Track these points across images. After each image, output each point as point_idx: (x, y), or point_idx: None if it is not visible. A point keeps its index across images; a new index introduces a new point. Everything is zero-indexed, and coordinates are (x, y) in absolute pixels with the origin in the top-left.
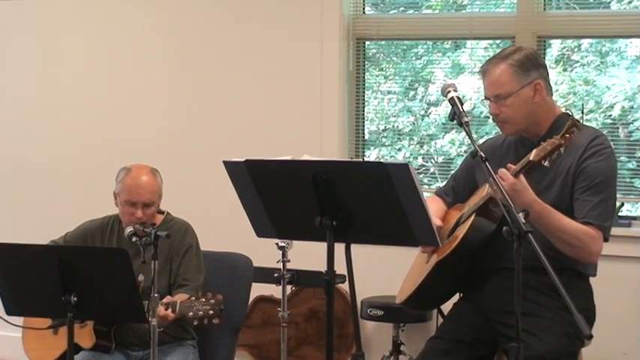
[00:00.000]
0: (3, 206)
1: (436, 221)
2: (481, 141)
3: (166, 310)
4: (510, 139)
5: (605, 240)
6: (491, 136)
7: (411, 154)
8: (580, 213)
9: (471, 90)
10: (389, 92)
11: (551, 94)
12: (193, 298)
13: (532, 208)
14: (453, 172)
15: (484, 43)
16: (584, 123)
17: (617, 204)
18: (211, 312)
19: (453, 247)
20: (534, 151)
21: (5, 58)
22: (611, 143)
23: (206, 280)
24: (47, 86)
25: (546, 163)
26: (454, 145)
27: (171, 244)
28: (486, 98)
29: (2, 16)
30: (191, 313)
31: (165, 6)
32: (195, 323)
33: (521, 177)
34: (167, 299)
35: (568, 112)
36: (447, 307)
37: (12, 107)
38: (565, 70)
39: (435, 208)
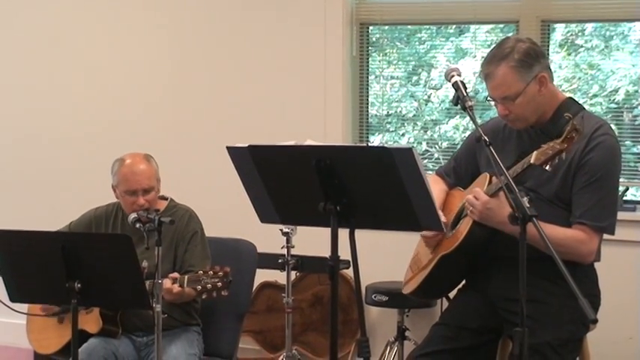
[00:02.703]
0: (7, 194)
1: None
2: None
3: (173, 284)
4: None
5: (611, 234)
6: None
7: (415, 140)
8: (577, 211)
9: (474, 75)
10: (392, 77)
11: (553, 80)
12: (201, 272)
13: (509, 226)
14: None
15: (486, 27)
16: (588, 108)
17: (622, 188)
18: (220, 284)
19: (458, 243)
20: (535, 154)
21: (11, 43)
22: (615, 128)
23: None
24: (49, 74)
25: (548, 167)
26: (458, 131)
27: (176, 230)
28: (492, 98)
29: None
30: (199, 287)
31: None
32: (205, 297)
33: (501, 195)
34: (175, 275)
35: (571, 97)
36: (452, 292)
37: (14, 95)
38: (569, 54)
39: (437, 189)
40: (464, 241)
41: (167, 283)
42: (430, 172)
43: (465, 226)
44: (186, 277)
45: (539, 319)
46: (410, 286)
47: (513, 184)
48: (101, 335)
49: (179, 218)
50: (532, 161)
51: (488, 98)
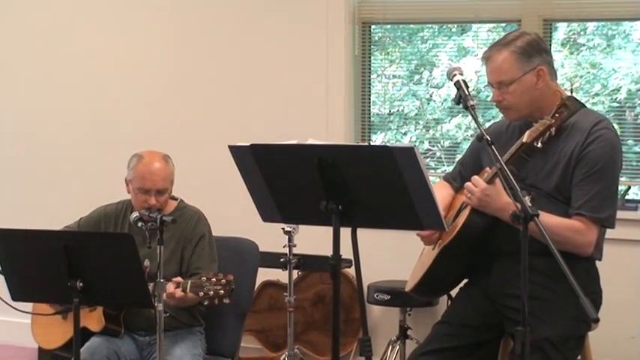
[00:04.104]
0: (9, 192)
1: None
2: (487, 125)
3: (176, 289)
4: (515, 123)
5: (611, 227)
6: (496, 120)
7: (417, 139)
8: (575, 203)
9: (476, 74)
10: (394, 76)
11: (556, 79)
12: (204, 278)
13: (507, 213)
14: (459, 156)
15: (488, 26)
16: (590, 106)
17: (624, 187)
18: (222, 292)
19: (457, 231)
20: (527, 132)
21: (12, 42)
22: (617, 127)
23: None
24: (55, 70)
25: (539, 145)
26: (460, 130)
27: (183, 232)
28: (489, 84)
29: None
30: (202, 293)
31: None
32: (206, 303)
33: (497, 182)
34: (178, 279)
35: (572, 95)
36: (454, 290)
37: (18, 93)
38: (571, 53)
39: (443, 194)
40: (462, 228)
41: (170, 287)
42: (432, 171)
43: (463, 215)
44: (189, 282)
45: (537, 315)
46: (411, 283)
47: (506, 168)
48: (103, 334)
49: (187, 220)
50: (524, 140)
51: (486, 85)
